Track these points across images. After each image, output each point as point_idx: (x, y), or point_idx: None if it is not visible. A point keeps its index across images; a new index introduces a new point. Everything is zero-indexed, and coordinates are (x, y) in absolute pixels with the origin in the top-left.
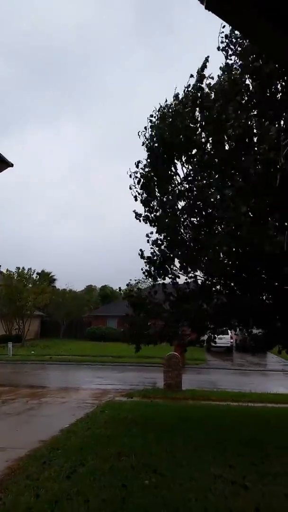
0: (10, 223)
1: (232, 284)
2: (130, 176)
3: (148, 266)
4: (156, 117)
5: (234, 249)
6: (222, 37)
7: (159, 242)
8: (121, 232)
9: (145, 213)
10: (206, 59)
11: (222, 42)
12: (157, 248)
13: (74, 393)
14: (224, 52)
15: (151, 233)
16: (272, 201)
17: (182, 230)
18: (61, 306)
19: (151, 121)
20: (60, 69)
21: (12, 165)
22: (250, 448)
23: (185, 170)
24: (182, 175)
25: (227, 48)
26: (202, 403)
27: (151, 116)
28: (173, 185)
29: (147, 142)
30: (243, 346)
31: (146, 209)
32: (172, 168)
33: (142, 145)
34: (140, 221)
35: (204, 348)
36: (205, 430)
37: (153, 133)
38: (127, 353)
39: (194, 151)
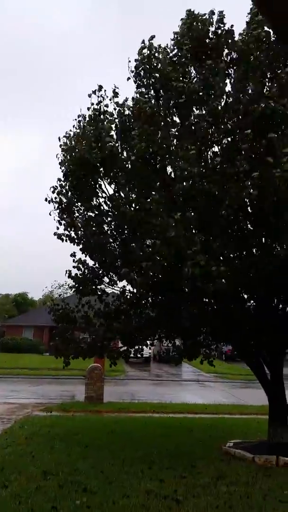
0: None
1: (160, 298)
2: (49, 202)
3: (75, 285)
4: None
5: (160, 264)
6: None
7: (85, 261)
8: (39, 238)
9: (68, 233)
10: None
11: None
12: (84, 267)
13: None
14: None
15: (75, 253)
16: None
17: (109, 247)
18: None
19: (61, 147)
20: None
21: None
22: (176, 459)
23: (111, 188)
24: (107, 193)
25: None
26: (124, 416)
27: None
28: (97, 203)
29: (64, 165)
30: (164, 356)
31: (71, 229)
32: (95, 184)
33: (61, 168)
34: (63, 241)
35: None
36: (130, 443)
37: (69, 156)
38: (43, 365)
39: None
